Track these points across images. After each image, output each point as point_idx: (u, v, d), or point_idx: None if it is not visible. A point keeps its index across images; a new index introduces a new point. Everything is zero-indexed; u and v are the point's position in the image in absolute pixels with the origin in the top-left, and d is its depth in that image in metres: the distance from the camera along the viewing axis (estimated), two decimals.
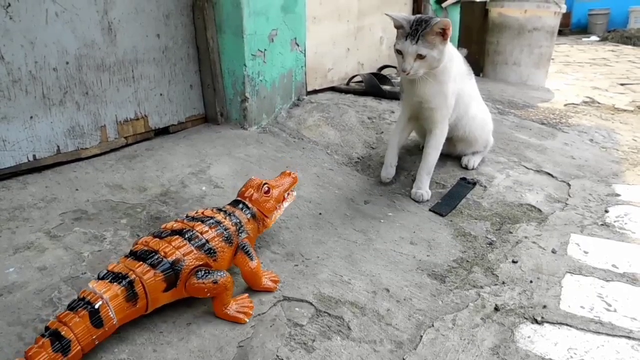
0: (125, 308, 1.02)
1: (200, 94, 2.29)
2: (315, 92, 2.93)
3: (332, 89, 3.09)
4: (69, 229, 1.46)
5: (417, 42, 1.63)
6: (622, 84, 4.39)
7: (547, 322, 1.27)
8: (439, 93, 1.81)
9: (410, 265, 1.49)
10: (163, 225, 1.19)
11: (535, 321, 1.27)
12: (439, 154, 1.94)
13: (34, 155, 1.72)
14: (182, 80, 2.19)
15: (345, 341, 1.15)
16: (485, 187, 2.00)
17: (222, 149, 2.09)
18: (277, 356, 1.08)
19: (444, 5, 4.25)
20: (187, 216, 1.23)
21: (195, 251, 1.12)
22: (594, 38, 9.39)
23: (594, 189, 2.04)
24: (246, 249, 1.23)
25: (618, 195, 2.00)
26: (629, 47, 7.77)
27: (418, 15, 1.69)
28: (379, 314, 1.26)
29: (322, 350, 1.11)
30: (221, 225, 1.20)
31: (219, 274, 1.12)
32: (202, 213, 1.24)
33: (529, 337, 1.21)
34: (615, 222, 1.79)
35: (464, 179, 2.03)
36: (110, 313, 0.99)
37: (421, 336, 1.20)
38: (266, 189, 1.36)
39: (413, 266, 1.49)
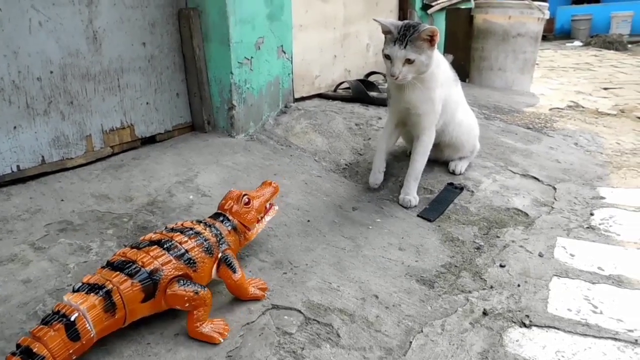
0: (104, 319, 1.00)
1: (186, 103, 2.29)
2: (302, 99, 2.93)
3: (320, 95, 3.10)
4: (54, 240, 1.44)
5: (405, 47, 1.64)
6: (605, 88, 4.46)
7: (535, 325, 1.27)
8: (427, 99, 1.82)
9: (398, 271, 1.49)
10: (142, 237, 1.18)
11: (524, 325, 1.27)
12: (426, 160, 1.95)
13: (18, 166, 1.70)
14: (168, 89, 2.18)
15: (335, 349, 1.15)
16: (472, 192, 2.02)
17: (210, 158, 2.08)
18: None
19: (429, 12, 4.29)
20: (166, 227, 1.22)
21: (174, 260, 1.10)
22: (577, 43, 9.54)
23: (579, 193, 2.07)
24: (228, 261, 1.21)
25: (603, 198, 2.03)
26: (611, 51, 7.90)
27: (406, 21, 1.70)
28: (368, 320, 1.26)
29: (311, 358, 1.11)
30: (201, 235, 1.19)
31: (200, 286, 1.11)
32: (182, 225, 1.22)
33: (517, 340, 1.22)
34: (600, 224, 1.81)
35: (451, 184, 2.04)
36: (87, 325, 0.96)
37: (410, 342, 1.20)
38: (246, 200, 1.34)
39: (402, 272, 1.49)
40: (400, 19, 4.00)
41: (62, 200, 1.66)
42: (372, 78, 3.51)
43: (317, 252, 1.54)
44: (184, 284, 1.08)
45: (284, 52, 2.52)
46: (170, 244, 1.12)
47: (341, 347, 1.15)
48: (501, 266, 1.54)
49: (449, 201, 1.95)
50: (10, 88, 1.63)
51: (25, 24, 1.63)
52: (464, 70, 4.11)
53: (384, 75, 3.54)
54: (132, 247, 1.12)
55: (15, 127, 1.66)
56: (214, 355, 1.09)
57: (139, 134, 2.09)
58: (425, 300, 1.37)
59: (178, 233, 1.16)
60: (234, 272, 1.21)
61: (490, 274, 1.51)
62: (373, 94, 3.05)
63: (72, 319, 0.94)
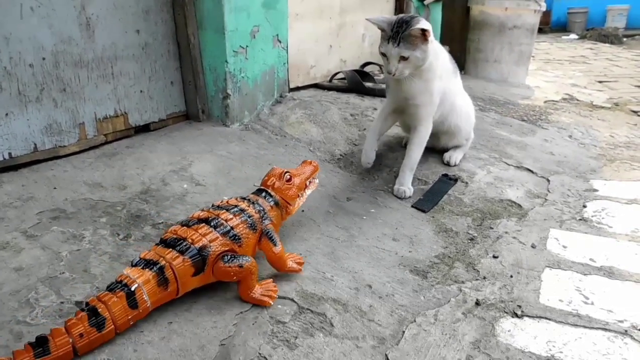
0: (158, 292, 1.09)
1: (181, 91, 2.27)
2: (297, 89, 2.92)
3: (315, 85, 3.08)
4: (46, 228, 1.43)
5: (398, 44, 1.64)
6: (600, 82, 4.47)
7: (527, 315, 1.29)
8: (424, 90, 1.81)
9: (392, 262, 1.49)
10: (191, 215, 1.25)
11: (516, 315, 1.29)
12: (422, 151, 1.95)
13: (10, 154, 1.68)
14: (162, 77, 2.16)
15: (328, 338, 1.15)
16: (466, 183, 2.02)
17: (204, 147, 2.07)
18: (260, 354, 1.08)
19: (425, 2, 4.27)
20: (212, 205, 1.28)
21: (220, 237, 1.17)
22: (573, 36, 9.54)
23: (572, 185, 2.08)
24: (270, 234, 1.27)
25: (596, 190, 2.04)
26: (607, 45, 7.91)
27: (399, 16, 1.68)
28: (362, 310, 1.26)
29: (304, 347, 1.11)
30: (245, 212, 1.25)
31: (244, 258, 1.18)
32: (227, 202, 1.29)
33: (509, 330, 1.23)
34: (593, 216, 1.82)
35: (445, 175, 2.05)
36: (144, 296, 1.07)
37: (403, 332, 1.20)
38: (288, 177, 1.40)
39: (395, 262, 1.49)
40: (396, 9, 3.97)
41: (55, 188, 1.65)
42: (367, 68, 3.49)
43: (311, 242, 1.55)
44: (229, 260, 1.16)
45: (280, 42, 2.51)
46: (216, 221, 1.19)
47: (334, 336, 1.16)
48: (494, 257, 1.55)
49: (443, 192, 1.96)
50: (1, 74, 1.61)
51: (17, 9, 1.61)
52: (459, 61, 4.07)
53: (380, 66, 3.53)
54: (182, 225, 1.20)
55: (7, 114, 1.65)
56: (207, 343, 1.09)
57: (132, 123, 2.08)
58: (419, 290, 1.38)
59: (224, 211, 1.23)
60: (275, 245, 1.27)
61: (483, 264, 1.51)
62: (368, 84, 3.04)
63: (132, 289, 1.05)
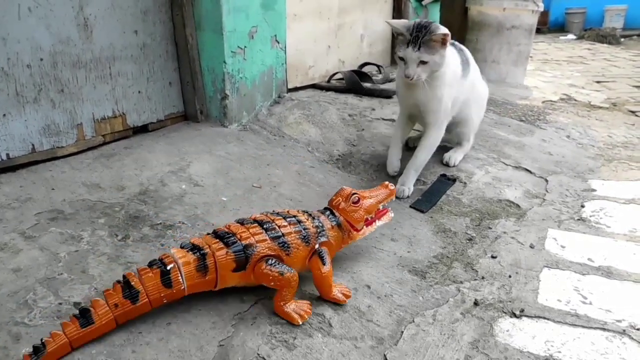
0: (195, 277, 1.11)
1: (179, 92, 2.27)
2: (296, 89, 2.92)
3: (313, 86, 3.09)
4: (44, 229, 1.43)
5: (419, 48, 1.68)
6: (597, 82, 4.48)
7: (526, 315, 1.29)
8: (433, 97, 1.84)
9: (391, 262, 1.49)
10: (249, 216, 1.26)
11: (514, 315, 1.29)
12: (430, 155, 1.97)
13: (8, 154, 1.68)
14: (160, 78, 2.16)
15: (327, 338, 1.15)
16: (465, 183, 2.02)
17: (202, 147, 2.07)
18: (258, 354, 1.08)
19: (424, 3, 4.28)
20: (273, 212, 1.28)
21: (269, 241, 1.18)
22: (570, 36, 9.55)
23: (570, 185, 2.08)
24: (321, 253, 1.25)
25: (594, 190, 2.04)
26: (605, 45, 7.92)
27: (417, 21, 1.72)
28: (360, 310, 1.26)
29: (303, 347, 1.11)
30: (301, 224, 1.24)
31: (287, 268, 1.17)
32: (287, 211, 1.28)
33: (507, 330, 1.23)
34: (591, 216, 1.82)
35: (444, 175, 2.05)
36: (179, 277, 1.09)
37: (402, 332, 1.20)
38: (355, 199, 1.34)
39: (394, 262, 1.49)
40: (394, 10, 3.98)
41: (53, 189, 1.64)
42: (366, 69, 3.49)
43: None
44: (271, 264, 1.16)
45: (278, 42, 2.51)
46: (269, 225, 1.20)
47: (333, 337, 1.16)
48: (493, 257, 1.55)
49: (441, 192, 1.96)
50: None
51: (14, 10, 1.61)
52: None
53: (378, 67, 3.53)
54: (237, 222, 1.22)
55: (4, 115, 1.64)
56: (206, 344, 1.09)
57: (131, 123, 2.08)
58: (417, 290, 1.38)
59: (280, 217, 1.24)
60: (324, 264, 1.23)
61: (481, 264, 1.51)
62: (367, 84, 3.04)
63: (168, 267, 1.08)
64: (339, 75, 3.18)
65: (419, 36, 1.68)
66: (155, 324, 1.13)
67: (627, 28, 9.80)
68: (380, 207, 1.41)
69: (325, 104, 2.65)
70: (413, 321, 1.25)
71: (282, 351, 1.09)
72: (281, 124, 2.42)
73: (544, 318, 1.27)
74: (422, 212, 1.84)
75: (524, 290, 1.39)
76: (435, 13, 4.41)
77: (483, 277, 1.45)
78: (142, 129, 2.15)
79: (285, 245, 1.19)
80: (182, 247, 1.14)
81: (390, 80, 3.43)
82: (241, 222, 1.21)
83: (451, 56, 1.84)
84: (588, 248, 1.60)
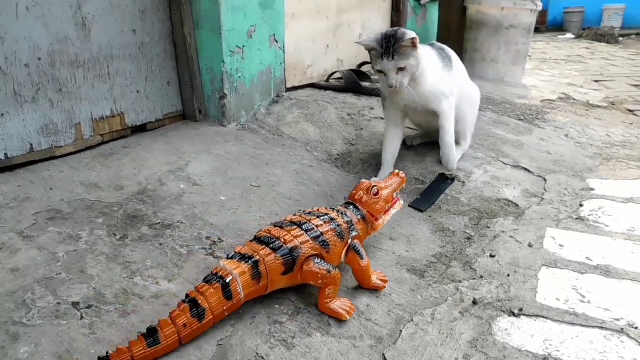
0: (251, 285, 1.13)
1: (178, 91, 2.26)
2: (294, 88, 2.92)
3: (312, 85, 3.08)
4: (42, 229, 1.43)
5: (393, 57, 1.73)
6: (596, 81, 4.48)
7: (524, 314, 1.29)
8: (424, 93, 1.88)
9: (389, 261, 1.50)
10: (283, 218, 1.30)
11: (513, 314, 1.29)
12: (453, 124, 2.02)
13: (6, 154, 1.68)
14: (159, 77, 2.16)
15: (326, 337, 1.15)
16: (463, 182, 2.02)
17: (201, 147, 2.07)
18: (257, 354, 1.08)
19: (422, 2, 4.28)
20: (303, 211, 1.32)
21: (311, 241, 1.21)
22: (569, 36, 9.56)
23: (569, 184, 2.08)
24: (357, 248, 1.29)
25: (592, 189, 2.04)
26: (603, 44, 7.93)
27: (383, 33, 1.77)
28: (359, 309, 1.26)
29: (302, 347, 1.11)
30: (335, 221, 1.28)
31: (332, 266, 1.21)
32: (318, 210, 1.32)
33: (506, 329, 1.23)
34: (589, 215, 1.82)
35: (442, 174, 2.05)
36: (238, 288, 1.11)
37: (401, 331, 1.20)
38: (375, 191, 1.40)
39: (392, 262, 1.49)
40: (393, 9, 3.98)
41: (51, 188, 1.64)
42: (364, 68, 3.49)
43: None
44: (318, 263, 1.19)
45: (276, 41, 2.50)
46: (308, 226, 1.23)
47: (332, 336, 1.16)
48: (491, 256, 1.55)
49: (440, 192, 1.96)
50: None
51: (12, 9, 1.60)
52: None
53: None
54: (275, 226, 1.25)
55: (2, 115, 1.64)
56: (204, 343, 1.09)
57: (129, 123, 2.07)
58: (416, 289, 1.38)
59: (315, 217, 1.27)
60: (362, 258, 1.29)
61: (480, 263, 1.52)
62: (365, 84, 3.04)
63: (227, 281, 1.10)
64: (337, 75, 3.18)
65: (390, 46, 1.74)
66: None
67: (625, 27, 9.81)
68: (394, 196, 1.47)
69: (323, 104, 2.65)
70: (412, 320, 1.25)
71: (280, 350, 1.09)
72: (280, 123, 2.42)
73: (543, 317, 1.28)
74: (420, 211, 1.84)
75: (523, 289, 1.39)
76: (433, 12, 4.41)
77: (482, 276, 1.45)
78: (141, 129, 2.15)
79: (325, 243, 1.23)
80: (230, 258, 1.16)
81: None
82: (279, 226, 1.24)
83: (423, 52, 1.87)
84: (586, 247, 1.60)
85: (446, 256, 1.56)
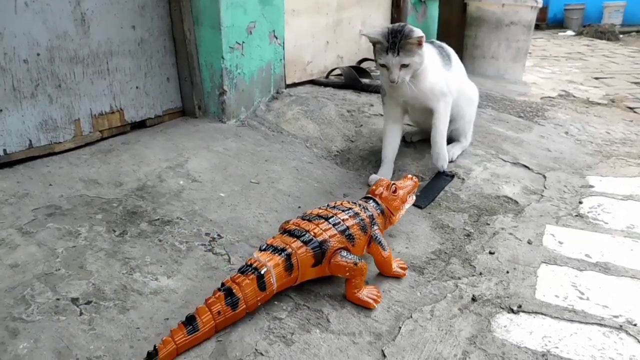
0: (283, 277, 1.17)
1: (177, 87, 2.26)
2: (294, 85, 2.92)
3: (312, 82, 3.08)
4: (42, 225, 1.43)
5: (398, 53, 1.73)
6: (596, 78, 4.48)
7: (523, 311, 1.29)
8: (424, 89, 1.89)
9: None
10: (308, 212, 1.33)
11: (512, 311, 1.29)
12: (447, 123, 2.03)
13: (5, 150, 1.67)
14: (158, 73, 2.15)
15: (325, 334, 1.15)
16: (463, 179, 2.02)
17: (200, 143, 2.07)
18: (256, 350, 1.08)
19: None
20: (328, 205, 1.36)
21: (338, 235, 1.25)
22: (569, 33, 9.55)
23: (568, 181, 2.08)
24: (379, 239, 1.35)
25: (592, 186, 2.04)
26: (603, 41, 7.92)
27: (390, 27, 1.77)
28: (358, 306, 1.26)
29: (301, 343, 1.11)
30: (358, 216, 1.33)
31: (358, 258, 1.25)
32: (341, 204, 1.37)
33: (505, 326, 1.23)
34: (589, 212, 1.82)
35: (442, 171, 2.05)
36: (272, 279, 1.14)
37: (400, 327, 1.21)
38: (394, 188, 1.47)
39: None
40: (393, 5, 3.97)
41: (50, 184, 1.64)
42: (364, 64, 3.49)
43: None
44: (345, 256, 1.23)
45: (276, 38, 2.50)
46: (335, 219, 1.27)
47: (331, 332, 1.16)
48: (490, 253, 1.55)
49: (439, 188, 1.96)
50: None
51: (11, 4, 1.60)
52: None
53: None
54: (303, 219, 1.28)
55: (1, 111, 1.64)
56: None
57: (128, 119, 2.07)
58: (415, 286, 1.38)
59: (341, 211, 1.31)
60: (384, 249, 1.35)
61: (479, 260, 1.52)
62: (365, 80, 3.04)
63: (262, 272, 1.12)
64: (337, 71, 3.18)
65: (396, 41, 1.73)
66: (153, 320, 1.13)
67: (625, 24, 9.80)
68: (408, 198, 1.55)
69: (323, 100, 2.65)
70: (411, 317, 1.25)
71: (280, 347, 1.09)
72: (279, 119, 2.42)
73: (542, 314, 1.28)
74: (420, 208, 1.84)
75: (522, 286, 1.39)
76: (434, 9, 4.41)
77: (481, 273, 1.45)
78: (140, 125, 2.15)
79: (351, 237, 1.28)
80: (262, 250, 1.18)
81: None
82: (307, 219, 1.28)
83: (427, 51, 1.87)
84: (586, 244, 1.60)
85: (445, 253, 1.56)
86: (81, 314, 1.13)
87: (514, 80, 3.92)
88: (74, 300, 1.16)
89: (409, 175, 1.60)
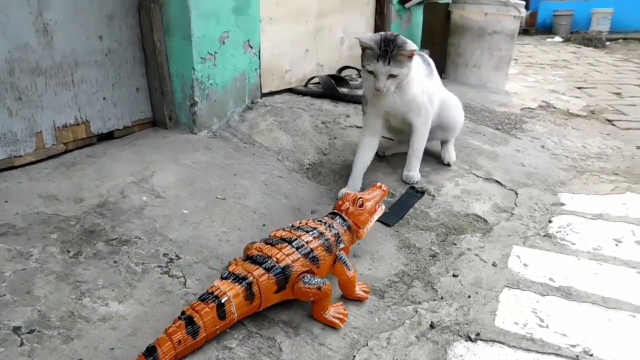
0: (244, 305, 1.16)
1: (147, 98, 2.22)
2: (271, 93, 2.88)
3: (290, 90, 3.05)
4: None
5: (389, 62, 1.74)
6: (579, 88, 4.49)
7: (481, 339, 1.27)
8: (407, 101, 1.90)
9: None
10: (272, 233, 1.32)
11: (469, 339, 1.27)
12: (425, 142, 2.05)
13: None
14: (127, 84, 2.11)
15: None
16: (433, 196, 2.01)
17: (169, 155, 2.03)
18: None
19: (407, 5, 4.25)
20: (292, 226, 1.35)
21: (302, 258, 1.24)
22: (557, 39, 9.59)
23: (540, 198, 2.07)
24: (344, 260, 1.34)
25: (563, 204, 2.03)
26: (590, 48, 7.96)
27: (383, 35, 1.77)
28: (313, 333, 1.24)
29: None
30: (323, 236, 1.32)
31: (322, 281, 1.24)
32: (306, 223, 1.36)
33: (461, 356, 1.21)
34: (557, 232, 1.81)
35: (412, 187, 2.03)
36: (232, 308, 1.14)
37: (354, 356, 1.18)
38: (360, 202, 1.46)
39: None
40: (377, 12, 3.95)
41: (6, 201, 1.60)
42: (345, 72, 3.47)
43: None
44: (308, 281, 1.22)
45: (251, 47, 2.47)
46: (298, 242, 1.26)
47: None
48: (454, 276, 1.53)
49: (409, 205, 1.94)
50: None
51: None
52: (440, 65, 4.08)
53: (358, 70, 3.50)
54: (266, 243, 1.27)
55: None
56: None
57: (95, 130, 2.03)
58: (374, 311, 1.36)
59: (305, 232, 1.31)
60: (348, 269, 1.34)
61: (442, 283, 1.50)
62: (343, 90, 3.01)
63: (223, 301, 1.12)
64: (316, 80, 3.15)
65: (388, 50, 1.73)
66: (98, 350, 1.10)
67: (613, 31, 9.87)
68: (377, 207, 1.54)
69: (299, 111, 2.62)
70: (367, 344, 1.23)
71: None
72: (252, 130, 2.39)
73: (499, 342, 1.26)
74: (388, 226, 1.82)
75: (482, 312, 1.37)
76: (418, 16, 4.39)
77: (442, 297, 1.43)
78: (108, 136, 2.11)
79: (315, 259, 1.27)
80: (223, 279, 1.17)
81: None
82: (270, 243, 1.26)
83: (414, 62, 1.86)
84: (551, 267, 1.59)
85: (409, 275, 1.54)
86: (22, 344, 1.10)
87: (496, 90, 3.92)
88: (16, 329, 1.13)
89: (378, 184, 1.59)
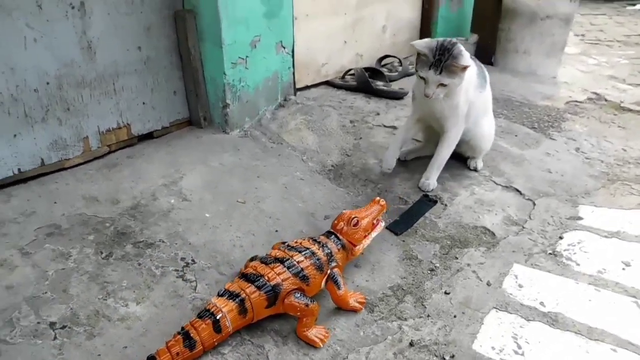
0: (238, 319, 1.32)
1: (184, 99, 2.40)
2: (307, 87, 2.98)
3: (327, 82, 3.13)
4: (40, 245, 1.63)
5: (441, 72, 1.79)
6: None
7: None
8: (450, 107, 1.96)
9: None
10: (268, 253, 1.48)
11: None
12: (451, 152, 2.11)
13: (19, 169, 1.89)
14: (165, 88, 2.29)
15: None
16: (445, 205, 2.05)
17: (199, 157, 2.20)
18: None
19: None
20: (288, 246, 1.49)
21: (292, 277, 1.38)
22: (639, 7, 8.74)
23: (557, 211, 2.06)
24: (335, 278, 1.47)
25: (580, 219, 2.01)
26: None
27: (440, 43, 1.81)
28: (299, 343, 1.38)
29: None
30: (315, 255, 1.46)
31: (310, 299, 1.39)
32: (301, 243, 1.50)
33: None
34: (565, 250, 1.82)
35: (426, 195, 2.09)
36: (227, 322, 1.30)
37: None
38: (355, 221, 1.57)
39: None
40: (424, 3, 3.86)
41: (55, 202, 1.84)
42: (386, 61, 3.47)
43: None
44: (298, 297, 1.37)
45: (284, 47, 2.56)
46: (290, 262, 1.41)
47: None
48: (446, 293, 1.61)
49: (420, 214, 2.00)
50: (9, 101, 1.79)
51: (21, 42, 1.77)
52: (488, 51, 3.97)
53: (400, 60, 3.50)
54: (261, 262, 1.42)
55: (15, 135, 1.85)
56: None
57: (135, 132, 2.24)
58: (361, 325, 1.48)
59: (297, 252, 1.44)
60: (339, 288, 1.47)
61: (433, 300, 1.58)
62: (379, 83, 3.04)
63: (218, 317, 1.29)
64: (353, 71, 3.19)
65: (442, 60, 1.78)
66: (113, 347, 1.31)
67: None
68: (375, 222, 1.64)
69: (328, 109, 2.70)
70: (347, 358, 1.36)
71: None
72: (282, 129, 2.51)
73: None
74: (396, 234, 1.91)
75: (463, 333, 1.45)
76: (468, 0, 4.23)
77: (429, 315, 1.52)
78: (148, 136, 2.32)
79: (305, 277, 1.41)
80: (220, 296, 1.33)
81: (409, 75, 3.40)
82: (265, 262, 1.41)
83: (468, 72, 1.89)
84: (545, 289, 1.62)
85: (403, 289, 1.64)
86: (55, 338, 1.33)
87: (545, 78, 3.75)
88: (52, 325, 1.36)
89: (377, 198, 1.68)
